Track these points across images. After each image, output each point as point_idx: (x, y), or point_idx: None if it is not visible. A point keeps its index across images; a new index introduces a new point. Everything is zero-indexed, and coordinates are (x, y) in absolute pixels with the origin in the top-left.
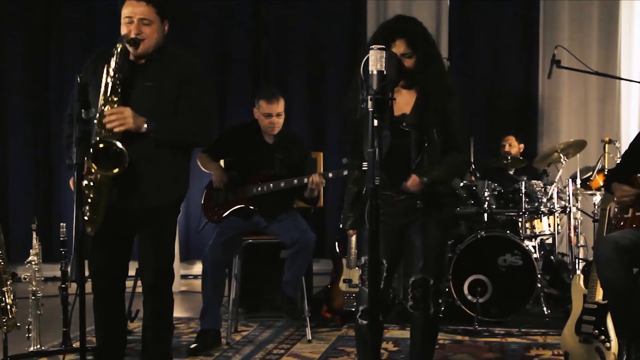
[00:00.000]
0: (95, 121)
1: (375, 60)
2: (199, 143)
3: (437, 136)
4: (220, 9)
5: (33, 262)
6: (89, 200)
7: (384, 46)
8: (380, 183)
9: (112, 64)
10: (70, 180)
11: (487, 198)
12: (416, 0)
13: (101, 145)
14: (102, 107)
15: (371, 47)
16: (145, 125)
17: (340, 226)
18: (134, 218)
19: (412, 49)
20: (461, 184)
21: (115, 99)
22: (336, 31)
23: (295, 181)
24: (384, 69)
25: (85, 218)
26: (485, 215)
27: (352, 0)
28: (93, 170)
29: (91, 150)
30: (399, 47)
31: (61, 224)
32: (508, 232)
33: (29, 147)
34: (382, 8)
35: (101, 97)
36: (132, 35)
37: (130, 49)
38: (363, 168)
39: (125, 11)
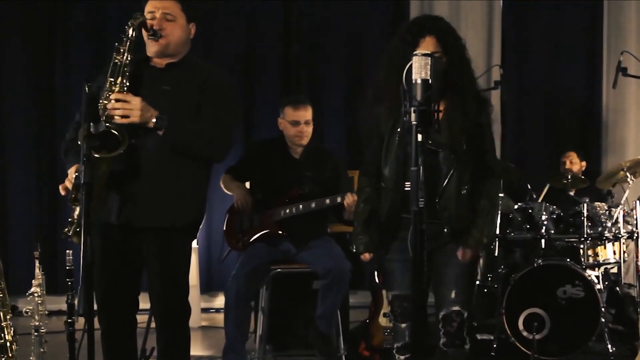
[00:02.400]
0: (100, 104)
1: (420, 68)
2: (216, 152)
3: (467, 154)
4: (244, 9)
5: (36, 294)
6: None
7: (429, 52)
8: (403, 205)
9: (124, 41)
10: (60, 185)
11: (545, 222)
12: (465, 0)
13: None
14: (107, 91)
15: (415, 53)
16: (154, 120)
17: (353, 249)
18: (142, 240)
19: (443, 49)
20: (515, 207)
21: (124, 81)
22: (376, 34)
23: (328, 201)
24: (429, 78)
25: (72, 225)
26: (543, 241)
27: (393, 0)
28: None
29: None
30: (428, 45)
31: (67, 251)
32: (568, 260)
33: (31, 164)
34: (427, 8)
35: (108, 78)
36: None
37: (148, 41)
38: (407, 188)
39: (149, 6)
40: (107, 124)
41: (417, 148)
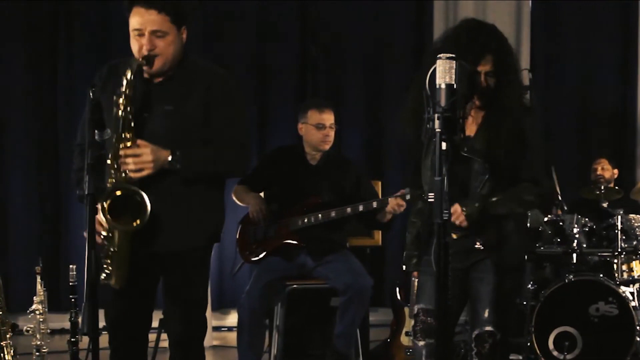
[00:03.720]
0: (107, 162)
1: (444, 72)
2: (235, 173)
3: (506, 165)
4: (257, 10)
5: (37, 312)
6: (109, 253)
7: (453, 55)
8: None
9: (122, 94)
10: (85, 233)
11: (577, 235)
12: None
13: (118, 193)
14: (116, 146)
15: (439, 56)
16: (170, 158)
17: (403, 268)
18: (159, 262)
19: (498, 69)
20: (545, 219)
21: (129, 135)
22: (398, 36)
23: (349, 209)
24: (454, 82)
25: (107, 272)
26: (574, 255)
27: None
28: (108, 225)
29: (105, 200)
30: (485, 65)
31: (70, 266)
32: (601, 275)
33: (32, 176)
34: (452, 8)
35: (114, 133)
36: (144, 52)
37: (144, 67)
38: (429, 199)
39: (134, 21)
40: (128, 187)
41: (440, 156)
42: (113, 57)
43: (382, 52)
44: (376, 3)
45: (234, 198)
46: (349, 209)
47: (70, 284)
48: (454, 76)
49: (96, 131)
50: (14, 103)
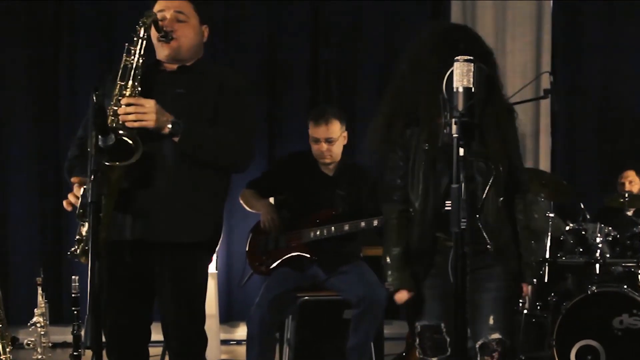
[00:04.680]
0: (109, 109)
1: (462, 75)
2: (239, 159)
3: (503, 164)
4: (268, 11)
5: (38, 324)
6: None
7: (472, 57)
8: (435, 226)
9: (136, 41)
10: (64, 201)
11: (600, 245)
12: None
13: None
14: (117, 96)
15: (456, 58)
16: (170, 126)
17: (389, 289)
18: (155, 259)
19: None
20: (567, 228)
21: (137, 84)
22: (413, 36)
23: (363, 224)
24: (471, 86)
25: (80, 244)
26: (597, 266)
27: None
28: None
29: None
30: None
31: (73, 276)
32: (625, 287)
33: (33, 181)
34: (470, 9)
35: (118, 82)
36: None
37: (158, 44)
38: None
39: (158, 5)
40: (120, 131)
41: (458, 163)
42: (117, 59)
43: (397, 55)
44: (390, 4)
45: (242, 202)
46: (363, 223)
47: (73, 295)
48: (472, 79)
49: (99, 136)
50: (15, 107)
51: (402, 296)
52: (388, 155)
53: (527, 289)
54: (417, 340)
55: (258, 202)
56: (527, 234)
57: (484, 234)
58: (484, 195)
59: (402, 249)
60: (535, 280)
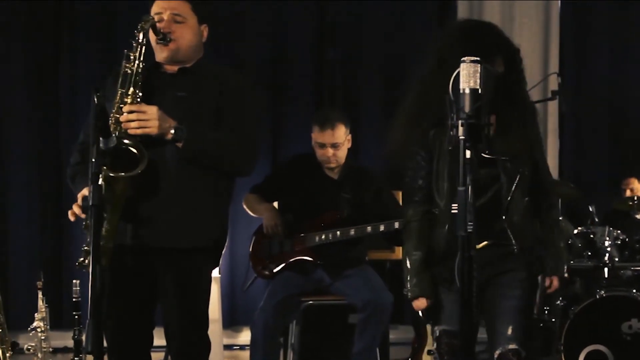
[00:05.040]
0: (110, 118)
1: (468, 76)
2: (243, 163)
3: (527, 166)
4: (272, 9)
5: (39, 329)
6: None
7: (478, 58)
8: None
9: (135, 47)
10: (69, 211)
11: (608, 249)
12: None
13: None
14: (119, 104)
15: (463, 59)
16: (173, 132)
17: (408, 295)
18: (158, 265)
19: (508, 69)
20: (575, 231)
21: (138, 91)
22: (420, 38)
23: (369, 228)
24: (478, 87)
25: (88, 255)
26: (606, 270)
27: None
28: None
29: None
30: (498, 68)
31: (74, 280)
32: (634, 291)
33: (34, 186)
34: (477, 9)
35: (118, 89)
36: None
37: (157, 46)
38: (453, 210)
39: (155, 7)
40: (124, 140)
41: (465, 165)
42: (118, 59)
43: (402, 55)
44: (396, 3)
45: (245, 207)
46: (369, 228)
47: (74, 299)
48: (478, 80)
49: (101, 138)
50: (14, 110)
51: (420, 304)
52: (410, 156)
53: (556, 281)
54: (435, 344)
55: (261, 206)
56: (556, 233)
57: (510, 234)
58: (509, 196)
59: (423, 254)
60: (565, 274)
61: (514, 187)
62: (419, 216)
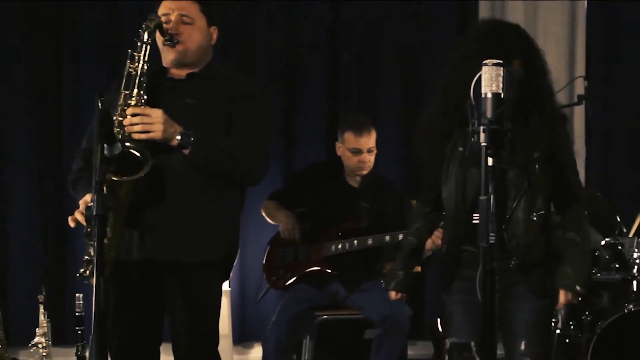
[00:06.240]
0: (114, 120)
1: (490, 80)
2: (252, 172)
3: (541, 175)
4: (284, 11)
5: (40, 345)
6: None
7: (500, 61)
8: (465, 237)
9: (139, 47)
10: (69, 217)
11: (637, 261)
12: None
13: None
14: (122, 106)
15: (484, 62)
16: (179, 137)
17: (383, 285)
18: (166, 279)
19: (527, 73)
20: (602, 242)
21: (142, 93)
22: (439, 40)
23: (388, 238)
24: (501, 91)
25: (89, 265)
26: (635, 283)
27: None
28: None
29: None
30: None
31: (77, 294)
32: None
33: (35, 195)
34: (499, 9)
35: (122, 90)
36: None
37: (164, 48)
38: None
39: (162, 7)
40: (126, 143)
41: (487, 173)
42: (123, 62)
43: (421, 57)
44: (415, 3)
45: (264, 214)
46: (387, 237)
47: (77, 314)
48: (501, 84)
49: (105, 145)
50: (15, 115)
51: (390, 295)
52: (432, 152)
53: (567, 296)
54: (446, 357)
55: (279, 212)
56: (577, 244)
57: (508, 248)
58: (512, 207)
59: (408, 250)
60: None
61: (519, 198)
62: (421, 215)
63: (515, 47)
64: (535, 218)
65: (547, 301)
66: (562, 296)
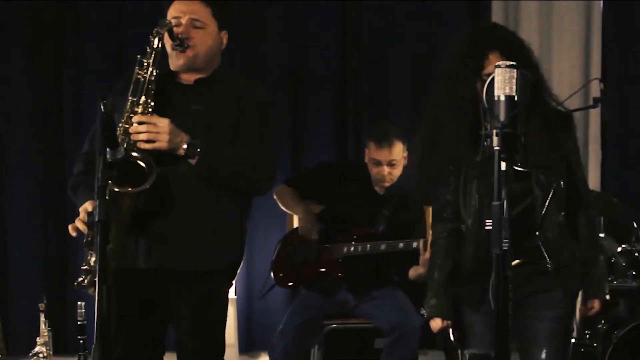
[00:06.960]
0: (119, 128)
1: (503, 82)
2: (259, 182)
3: (561, 176)
4: (293, 13)
5: (41, 355)
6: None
7: (514, 63)
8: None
9: (149, 53)
10: (70, 225)
11: None
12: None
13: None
14: (129, 113)
15: (497, 64)
16: (185, 147)
17: (424, 315)
18: (171, 288)
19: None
20: (619, 249)
21: (150, 101)
22: (451, 40)
23: (401, 244)
24: (514, 94)
25: (88, 274)
26: None
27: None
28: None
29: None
30: (492, 63)
31: (79, 303)
32: None
33: (36, 200)
34: (512, 9)
35: (129, 97)
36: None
37: (172, 53)
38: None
39: (172, 10)
40: (133, 153)
41: (499, 178)
42: (127, 63)
43: (432, 58)
44: (426, 4)
45: (276, 198)
46: (401, 244)
47: (79, 323)
48: (514, 87)
49: (108, 149)
50: (15, 114)
51: (436, 325)
52: (439, 170)
53: (597, 304)
54: None
55: (298, 205)
56: (595, 250)
57: (544, 252)
58: (543, 210)
59: (446, 273)
60: (607, 295)
61: (548, 201)
62: (447, 233)
63: (490, 40)
64: (562, 220)
65: (567, 310)
66: (597, 304)
